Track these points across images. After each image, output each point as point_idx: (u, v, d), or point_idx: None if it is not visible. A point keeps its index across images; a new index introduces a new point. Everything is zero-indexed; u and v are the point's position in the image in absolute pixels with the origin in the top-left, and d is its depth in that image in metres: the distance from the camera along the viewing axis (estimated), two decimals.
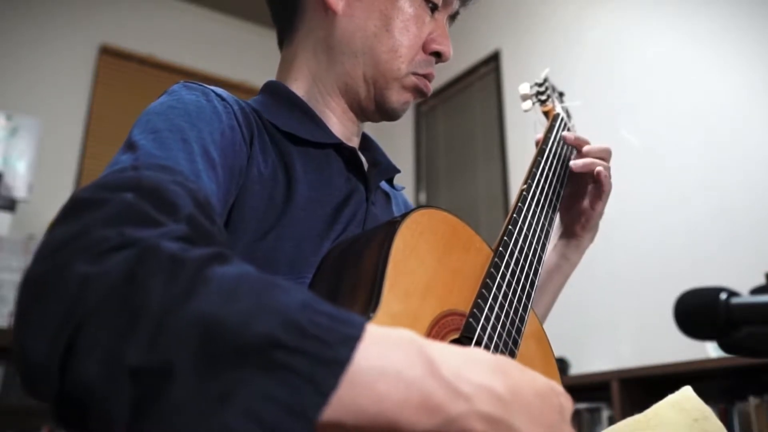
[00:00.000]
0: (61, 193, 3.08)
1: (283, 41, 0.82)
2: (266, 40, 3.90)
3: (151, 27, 3.59)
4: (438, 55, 0.78)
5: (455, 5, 0.80)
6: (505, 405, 0.39)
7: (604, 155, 0.89)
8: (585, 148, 0.90)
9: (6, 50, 3.13)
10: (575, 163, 0.89)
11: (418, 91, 0.77)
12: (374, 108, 0.77)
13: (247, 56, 3.82)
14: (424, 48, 0.76)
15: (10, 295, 2.51)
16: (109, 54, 3.42)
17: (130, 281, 0.36)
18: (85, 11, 3.41)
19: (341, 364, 0.34)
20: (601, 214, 0.90)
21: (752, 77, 2.17)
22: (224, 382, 0.33)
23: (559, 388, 0.46)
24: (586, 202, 0.90)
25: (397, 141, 3.78)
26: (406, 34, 0.74)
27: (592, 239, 0.92)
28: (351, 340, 0.36)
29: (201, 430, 0.32)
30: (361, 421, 0.35)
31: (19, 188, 2.77)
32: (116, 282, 0.36)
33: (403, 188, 0.91)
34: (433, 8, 0.77)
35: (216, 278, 0.37)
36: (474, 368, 0.39)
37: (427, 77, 0.77)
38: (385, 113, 0.78)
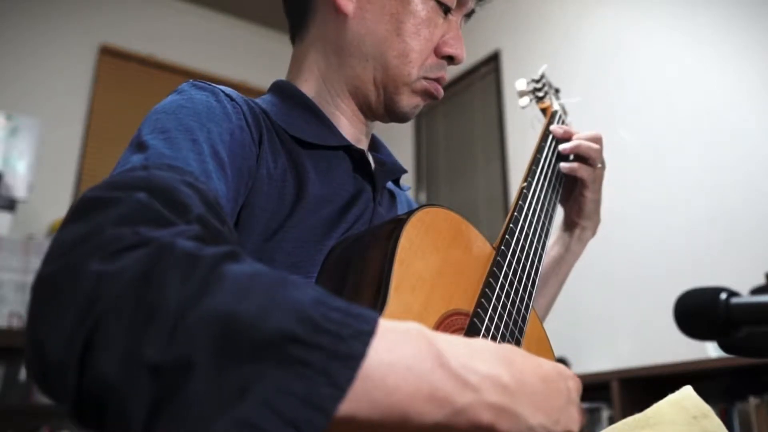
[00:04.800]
0: (61, 193, 3.08)
1: (294, 38, 0.80)
2: (266, 40, 3.93)
3: (151, 27, 3.59)
4: (450, 59, 0.76)
5: (470, 4, 0.78)
6: (511, 394, 0.40)
7: (594, 140, 0.90)
8: (575, 136, 0.91)
9: (6, 50, 3.13)
10: (563, 146, 0.90)
11: (428, 95, 0.76)
12: (384, 111, 0.76)
13: (247, 56, 3.83)
14: (436, 51, 0.75)
15: (10, 295, 2.51)
16: (109, 54, 3.42)
17: (146, 279, 0.36)
18: (85, 11, 3.41)
19: (356, 359, 0.35)
20: (595, 200, 0.91)
21: (752, 77, 2.17)
22: (242, 376, 0.33)
23: (567, 371, 0.47)
24: (580, 188, 0.90)
25: (397, 141, 3.77)
26: (417, 39, 0.72)
27: (594, 230, 0.92)
28: (364, 334, 0.36)
29: (220, 424, 0.32)
30: (373, 414, 0.35)
31: (19, 188, 2.77)
32: (132, 280, 0.36)
33: (409, 188, 0.91)
34: (446, 10, 0.75)
35: (230, 275, 0.37)
36: (480, 359, 0.40)
37: (439, 81, 0.76)
38: (395, 116, 0.77)
